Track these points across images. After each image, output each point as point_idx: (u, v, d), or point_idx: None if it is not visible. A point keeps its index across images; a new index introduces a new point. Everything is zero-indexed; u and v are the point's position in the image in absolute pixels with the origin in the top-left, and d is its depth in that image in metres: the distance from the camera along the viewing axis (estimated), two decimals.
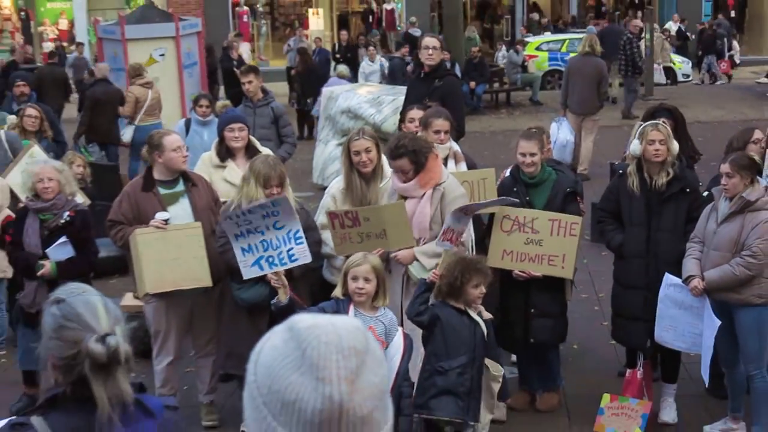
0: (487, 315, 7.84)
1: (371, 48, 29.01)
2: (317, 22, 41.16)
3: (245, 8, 40.08)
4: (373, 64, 27.12)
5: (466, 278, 7.63)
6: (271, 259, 8.26)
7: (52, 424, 3.63)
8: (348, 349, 2.18)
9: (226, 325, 9.23)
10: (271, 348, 2.24)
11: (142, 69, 20.68)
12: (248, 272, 8.32)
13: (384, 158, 9.06)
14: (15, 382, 10.18)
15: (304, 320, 2.25)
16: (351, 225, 8.63)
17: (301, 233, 8.30)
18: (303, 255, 8.32)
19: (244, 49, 18.11)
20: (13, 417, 3.82)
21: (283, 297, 7.99)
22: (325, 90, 19.87)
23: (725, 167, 8.47)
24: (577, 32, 33.83)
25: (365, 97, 13.86)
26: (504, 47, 33.03)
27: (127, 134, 18.92)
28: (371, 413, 2.18)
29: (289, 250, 8.26)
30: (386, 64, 27.91)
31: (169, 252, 8.88)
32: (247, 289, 8.73)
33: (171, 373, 9.44)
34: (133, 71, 20.84)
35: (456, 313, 7.65)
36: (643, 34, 27.74)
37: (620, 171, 9.55)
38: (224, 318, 9.24)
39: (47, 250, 9.36)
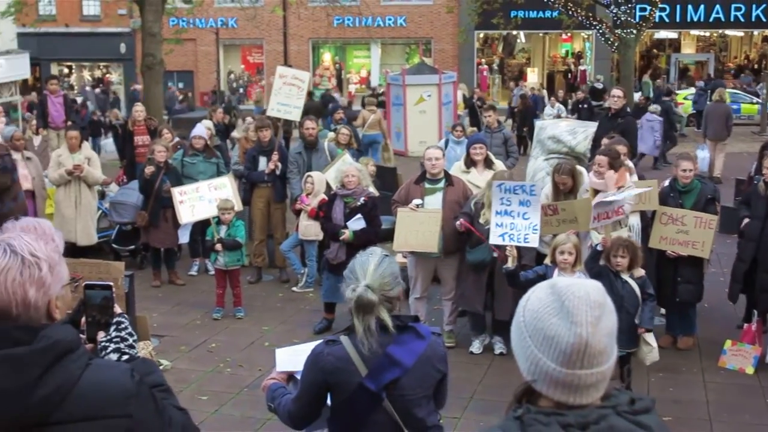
0: (640, 273, 7.65)
1: (552, 98, 28.91)
2: (533, 76, 40.77)
3: (485, 66, 40.09)
4: (552, 108, 26.90)
5: (613, 250, 7.55)
6: (512, 236, 8.21)
7: (353, 341, 3.72)
8: (593, 302, 2.17)
9: (462, 278, 9.29)
10: (537, 299, 2.24)
11: (372, 102, 21.77)
12: (494, 239, 8.30)
13: (583, 177, 9.07)
14: (318, 310, 10.42)
15: (563, 281, 2.25)
16: (552, 213, 8.66)
17: (538, 227, 8.20)
18: (534, 241, 8.25)
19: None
20: (329, 336, 3.91)
21: (511, 264, 7.99)
22: (537, 122, 19.76)
23: None
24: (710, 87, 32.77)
25: (565, 128, 13.68)
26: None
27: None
28: (605, 347, 2.18)
29: (525, 235, 8.19)
30: (562, 108, 27.56)
31: (414, 226, 9.12)
32: (473, 253, 8.90)
33: (419, 306, 9.49)
34: (367, 102, 21.85)
35: (611, 273, 7.49)
36: None
37: (755, 182, 9.49)
38: (461, 273, 9.30)
39: (348, 223, 9.60)
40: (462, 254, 9.16)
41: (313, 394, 3.82)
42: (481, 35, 40.04)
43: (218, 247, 10.35)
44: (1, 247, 2.42)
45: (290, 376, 4.12)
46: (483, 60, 40.63)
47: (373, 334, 3.66)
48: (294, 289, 11.73)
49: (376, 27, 36.84)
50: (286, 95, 12.21)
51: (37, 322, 2.41)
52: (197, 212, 11.18)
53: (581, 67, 40.21)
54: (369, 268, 3.72)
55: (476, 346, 9.29)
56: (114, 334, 2.90)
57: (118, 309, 2.96)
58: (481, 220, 8.79)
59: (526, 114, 25.82)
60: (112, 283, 3.01)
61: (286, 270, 12.16)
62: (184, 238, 11.99)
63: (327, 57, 41.19)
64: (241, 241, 10.53)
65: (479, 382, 8.43)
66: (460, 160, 10.78)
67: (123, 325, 2.93)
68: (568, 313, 2.17)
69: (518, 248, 8.23)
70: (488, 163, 10.31)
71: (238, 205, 11.27)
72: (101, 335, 2.90)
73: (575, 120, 19.65)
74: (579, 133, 13.50)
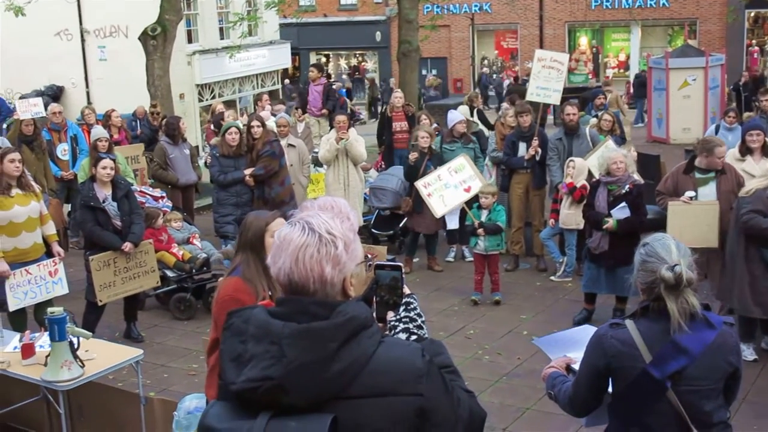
0: None
1: None
2: None
3: (756, 48, 37.99)
4: None
5: None
6: None
7: (639, 326, 3.67)
8: None
9: (760, 281, 8.31)
10: None
11: (608, 85, 20.96)
12: None
13: None
14: (577, 300, 10.34)
15: None
16: None
17: None
18: None
19: None
20: (612, 319, 3.89)
21: None
22: None
23: None
24: None
25: None
26: None
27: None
28: None
29: None
30: None
31: (689, 219, 8.83)
32: None
33: None
34: (604, 83, 21.07)
35: None
36: None
37: None
38: (758, 275, 8.32)
39: (612, 211, 9.43)
40: (750, 253, 8.36)
41: (594, 377, 3.80)
42: (752, 14, 38.00)
43: (480, 231, 10.47)
44: (300, 225, 2.54)
45: (569, 366, 4.12)
46: (753, 41, 38.50)
47: (688, 316, 3.60)
48: (552, 278, 11.69)
49: (636, 8, 35.80)
50: (545, 79, 12.16)
51: (332, 299, 2.52)
52: (448, 202, 11.36)
53: None
54: (672, 249, 3.66)
55: (748, 353, 8.48)
56: (403, 314, 2.98)
57: (407, 290, 3.06)
58: None
59: None
60: (401, 264, 3.11)
61: (544, 258, 12.13)
62: (453, 223, 12.09)
63: (583, 41, 40.45)
64: (502, 226, 10.60)
65: (752, 383, 8.06)
66: (733, 147, 10.30)
67: (412, 306, 3.01)
68: None
69: None
70: (766, 151, 9.79)
71: (482, 182, 11.41)
72: (390, 315, 3.01)
73: None
74: None
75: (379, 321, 2.97)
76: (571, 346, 4.24)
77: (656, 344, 3.62)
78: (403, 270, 3.05)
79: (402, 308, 3.00)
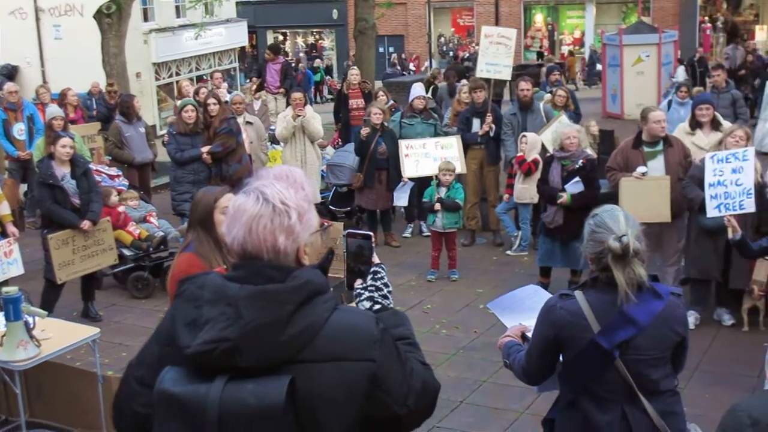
0: None
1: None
2: (761, 35, 38.49)
3: (708, 24, 38.30)
4: None
5: None
6: (727, 205, 7.91)
7: (587, 297, 3.70)
8: None
9: (696, 245, 8.78)
10: None
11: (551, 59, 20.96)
12: (711, 212, 7.99)
13: None
14: (533, 274, 10.36)
15: None
16: None
17: (752, 191, 7.81)
18: (749, 206, 7.84)
19: None
20: (562, 290, 3.88)
21: (731, 234, 7.65)
22: None
23: None
24: None
25: None
26: None
27: None
28: None
29: (740, 201, 7.83)
30: None
31: (641, 195, 8.80)
32: (712, 219, 8.23)
33: None
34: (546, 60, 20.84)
35: None
36: None
37: None
38: (691, 238, 8.85)
39: (565, 186, 9.50)
40: (690, 218, 8.80)
41: (544, 347, 3.84)
42: None
43: (437, 206, 10.49)
44: (255, 195, 2.52)
45: (524, 334, 4.16)
46: (706, 17, 38.80)
47: (635, 286, 3.63)
48: (508, 252, 11.77)
49: None
50: (494, 55, 12.19)
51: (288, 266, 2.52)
52: (420, 168, 11.44)
53: None
54: (621, 219, 3.68)
55: (690, 320, 8.42)
56: (369, 282, 3.00)
57: (376, 259, 3.05)
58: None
59: (755, 75, 24.57)
60: (371, 234, 3.12)
61: (500, 233, 12.19)
62: (402, 200, 12.14)
63: (539, 18, 40.63)
64: (461, 203, 10.64)
65: (704, 352, 8.18)
66: (684, 121, 10.44)
67: (379, 275, 3.02)
68: None
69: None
70: (715, 125, 9.93)
71: (462, 168, 11.42)
72: (358, 282, 3.03)
73: None
74: None
75: (348, 288, 2.98)
76: (525, 312, 4.29)
77: (604, 315, 3.65)
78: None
79: (369, 277, 3.01)
